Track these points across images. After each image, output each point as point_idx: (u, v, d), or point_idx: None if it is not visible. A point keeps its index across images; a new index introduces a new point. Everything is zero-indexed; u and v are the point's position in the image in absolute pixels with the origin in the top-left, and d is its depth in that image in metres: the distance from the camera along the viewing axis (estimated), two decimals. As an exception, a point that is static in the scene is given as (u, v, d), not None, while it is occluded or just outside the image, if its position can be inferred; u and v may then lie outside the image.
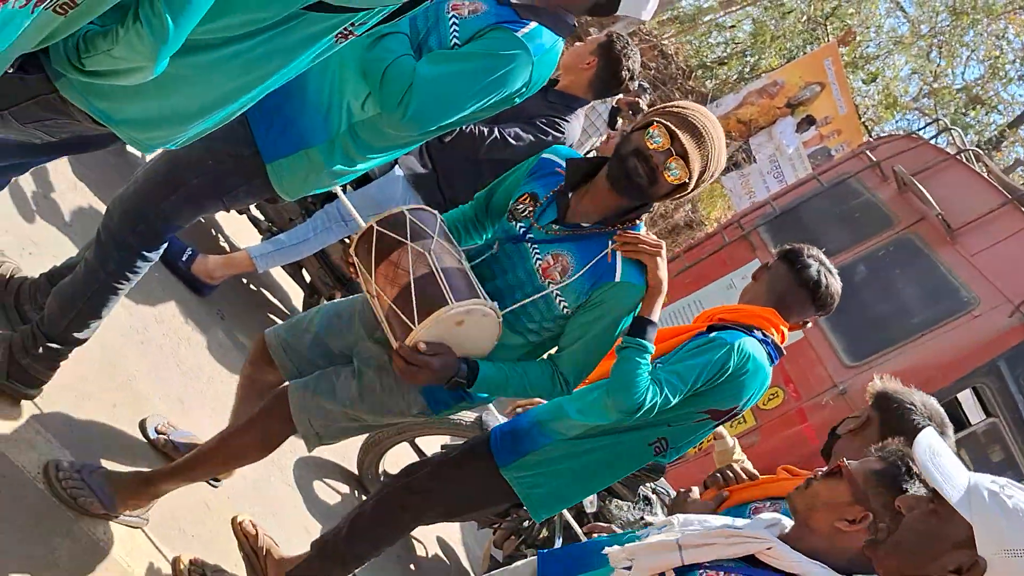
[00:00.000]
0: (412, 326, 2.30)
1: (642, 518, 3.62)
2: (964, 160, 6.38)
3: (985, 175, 6.14)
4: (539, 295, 2.50)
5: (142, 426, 2.94)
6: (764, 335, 2.64)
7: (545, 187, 2.57)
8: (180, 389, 3.18)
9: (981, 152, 6.80)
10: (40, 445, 2.54)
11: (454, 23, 2.48)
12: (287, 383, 2.66)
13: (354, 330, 2.69)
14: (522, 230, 2.56)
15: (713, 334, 2.61)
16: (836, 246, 6.29)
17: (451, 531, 4.10)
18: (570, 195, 2.52)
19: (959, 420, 6.09)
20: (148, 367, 3.12)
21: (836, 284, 2.83)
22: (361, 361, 2.63)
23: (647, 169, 2.41)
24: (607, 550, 1.96)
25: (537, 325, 2.55)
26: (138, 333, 3.17)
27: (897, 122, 15.38)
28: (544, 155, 2.64)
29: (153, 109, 1.92)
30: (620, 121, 7.45)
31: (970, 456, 5.29)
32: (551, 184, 2.57)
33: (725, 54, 14.87)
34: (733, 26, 14.46)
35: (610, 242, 2.49)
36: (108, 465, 2.70)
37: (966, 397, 5.92)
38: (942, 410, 2.43)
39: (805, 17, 13.05)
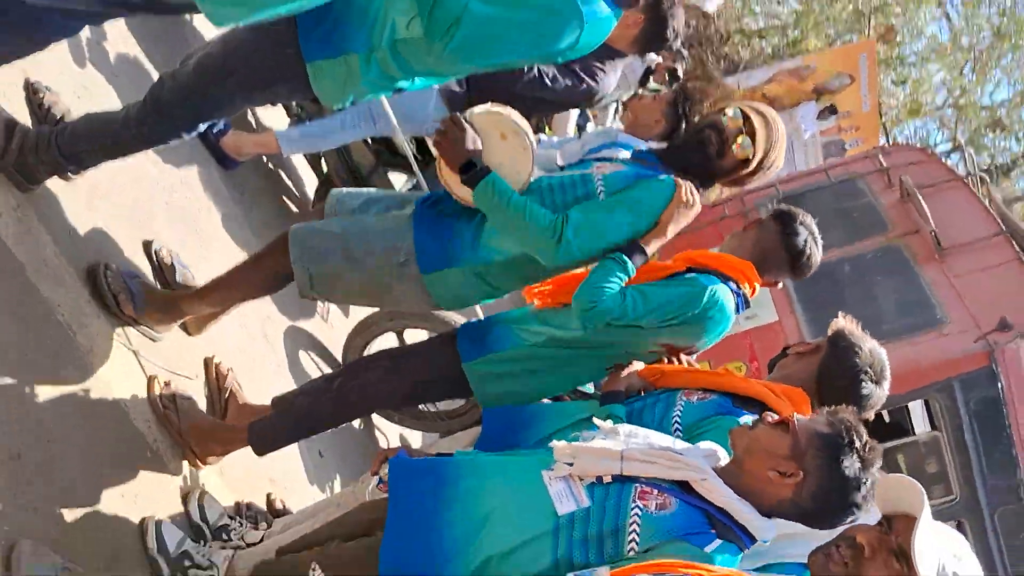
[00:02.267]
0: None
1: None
2: (969, 183, 6.55)
3: (986, 202, 6.30)
4: (581, 172, 2.81)
5: (146, 245, 3.12)
6: (737, 287, 2.81)
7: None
8: (195, 254, 3.35)
9: (987, 179, 6.95)
10: (67, 280, 2.70)
11: None
12: None
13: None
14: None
15: (691, 274, 2.79)
16: (829, 241, 6.37)
17: (414, 437, 4.33)
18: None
19: (904, 428, 6.40)
20: (170, 227, 3.28)
21: (818, 255, 2.93)
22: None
23: (719, 139, 2.79)
24: (553, 443, 2.07)
25: (565, 205, 2.72)
26: (165, 192, 3.33)
27: (916, 128, 15.45)
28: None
29: None
30: (651, 82, 7.52)
31: (906, 463, 5.56)
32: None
33: (766, 26, 14.81)
34: (780, 1, 14.39)
35: (669, 174, 2.79)
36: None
37: (916, 407, 6.22)
38: (886, 363, 2.59)
39: (852, 6, 12.99)
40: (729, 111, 2.81)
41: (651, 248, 2.70)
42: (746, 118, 2.79)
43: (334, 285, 2.87)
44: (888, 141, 11.87)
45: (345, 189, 3.16)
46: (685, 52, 8.62)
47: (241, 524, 2.90)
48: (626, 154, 3.01)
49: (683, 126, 4.17)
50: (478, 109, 2.70)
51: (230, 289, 2.99)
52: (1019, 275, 5.68)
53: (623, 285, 2.64)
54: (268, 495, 3.28)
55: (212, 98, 2.58)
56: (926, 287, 5.87)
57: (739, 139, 2.77)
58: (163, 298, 2.96)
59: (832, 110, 11.11)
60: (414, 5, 2.40)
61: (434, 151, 2.77)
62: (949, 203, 6.32)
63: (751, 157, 2.79)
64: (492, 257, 2.79)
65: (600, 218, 2.68)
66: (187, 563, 2.60)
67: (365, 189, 3.18)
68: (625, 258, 2.63)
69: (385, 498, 2.12)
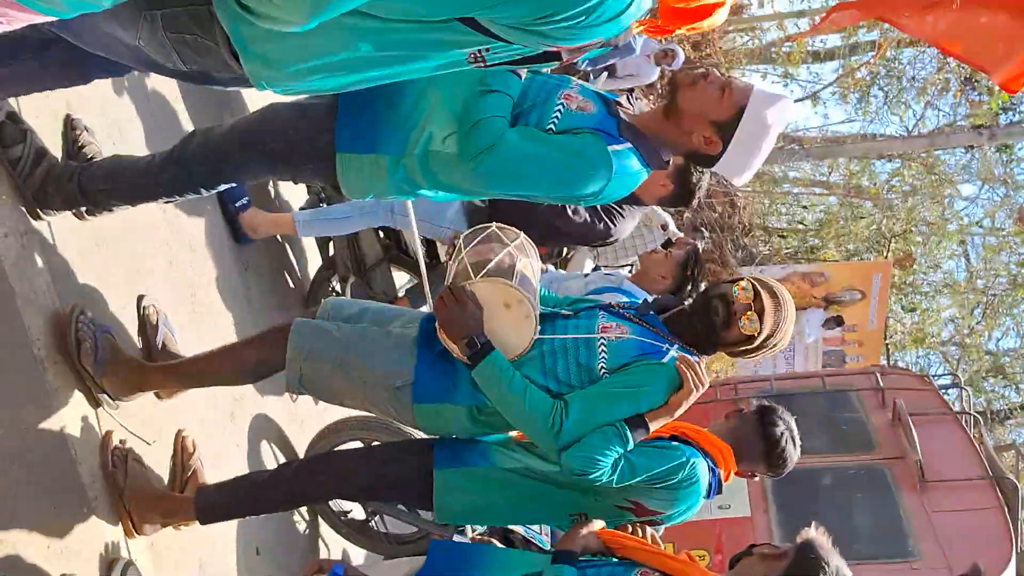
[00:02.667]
0: (472, 276, 2.60)
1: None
2: (962, 422, 6.52)
3: (977, 444, 6.26)
4: (586, 336, 2.70)
5: (138, 300, 3.06)
6: (714, 465, 2.84)
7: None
8: (186, 319, 3.32)
9: (981, 421, 6.93)
10: (48, 310, 2.65)
11: (559, 111, 2.51)
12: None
13: (394, 324, 2.89)
14: (601, 305, 2.86)
15: (676, 443, 2.81)
16: (814, 447, 6.41)
17: (356, 554, 4.18)
18: (651, 313, 2.84)
19: (857, 657, 6.18)
20: (167, 288, 3.26)
21: (794, 453, 2.99)
22: (377, 324, 2.87)
23: (726, 311, 2.72)
24: None
25: (566, 372, 2.67)
26: (170, 252, 3.32)
27: (918, 356, 15.56)
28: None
29: (287, 51, 2.06)
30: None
31: None
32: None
33: (787, 226, 15.15)
34: (807, 207, 14.76)
35: (672, 346, 2.73)
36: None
37: (872, 638, 6.02)
38: None
39: (876, 227, 13.30)
40: (741, 284, 2.75)
41: (654, 426, 2.67)
42: (756, 294, 2.72)
43: (325, 389, 2.81)
44: (888, 363, 11.93)
45: (341, 298, 3.10)
46: (706, 233, 8.83)
47: None
48: (627, 308, 2.92)
49: (688, 288, 4.26)
50: (481, 281, 2.61)
51: (205, 372, 2.90)
52: (998, 523, 5.58)
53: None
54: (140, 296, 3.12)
55: (236, 162, 2.60)
56: (903, 516, 5.78)
57: (747, 315, 2.69)
58: (128, 365, 2.80)
59: (838, 321, 11.24)
60: (453, 123, 2.46)
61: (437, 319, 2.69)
62: (939, 436, 6.28)
63: (756, 335, 2.71)
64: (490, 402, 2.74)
65: (601, 409, 2.62)
66: None
67: (361, 301, 3.10)
68: (628, 433, 2.60)
69: None
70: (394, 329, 2.84)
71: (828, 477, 6.26)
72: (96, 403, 2.77)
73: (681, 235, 7.86)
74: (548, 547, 3.98)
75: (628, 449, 2.62)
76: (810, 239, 14.86)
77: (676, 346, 2.74)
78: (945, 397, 7.19)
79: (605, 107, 2.59)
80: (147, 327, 3.06)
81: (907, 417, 6.28)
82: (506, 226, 2.76)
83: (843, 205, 14.36)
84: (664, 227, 7.47)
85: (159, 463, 3.00)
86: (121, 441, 2.83)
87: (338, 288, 4.43)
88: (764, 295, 2.71)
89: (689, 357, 2.72)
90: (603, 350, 2.68)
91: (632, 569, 2.41)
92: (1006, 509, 5.64)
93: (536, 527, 3.81)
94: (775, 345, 2.78)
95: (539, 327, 2.66)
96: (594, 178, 2.50)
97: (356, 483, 2.99)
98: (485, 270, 2.61)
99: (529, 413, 2.59)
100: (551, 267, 4.96)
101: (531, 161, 2.47)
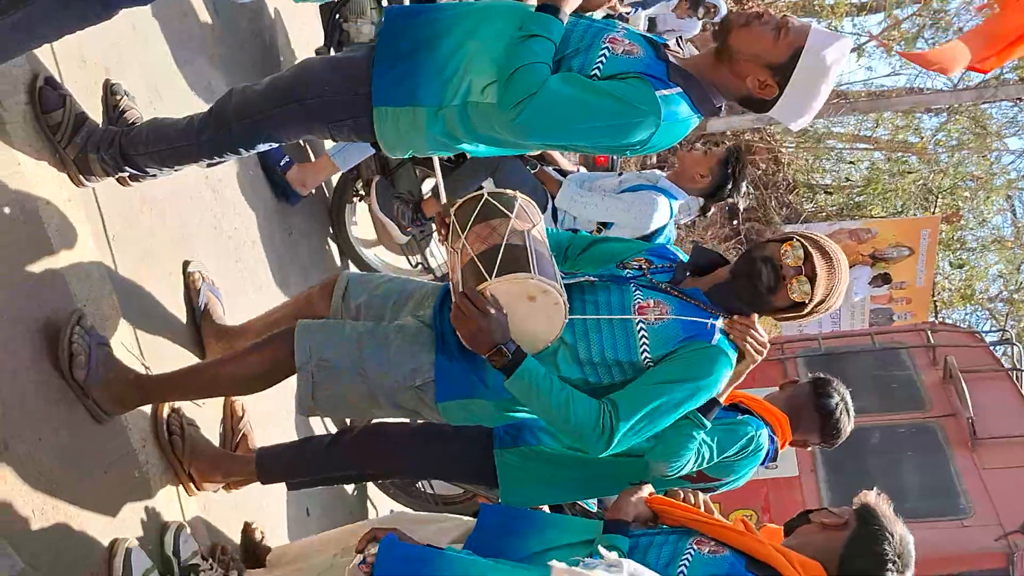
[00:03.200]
0: (487, 277, 2.30)
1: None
2: (1014, 378, 6.40)
3: (1028, 400, 6.15)
4: (622, 317, 2.44)
5: (185, 265, 3.05)
6: (772, 434, 2.80)
7: (661, 259, 2.61)
8: (231, 284, 3.32)
9: (1033, 376, 6.79)
10: (95, 277, 2.66)
11: (603, 55, 2.36)
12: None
13: (407, 308, 2.69)
14: (629, 274, 2.56)
15: (744, 416, 2.76)
16: (863, 406, 6.31)
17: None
18: (687, 274, 2.55)
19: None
20: (212, 253, 3.26)
21: (848, 424, 2.95)
22: (388, 320, 2.65)
23: (773, 277, 2.42)
24: (552, 564, 1.92)
25: (602, 359, 2.44)
26: (215, 218, 3.32)
27: (966, 313, 15.30)
28: (664, 244, 2.74)
29: None
30: (711, 212, 7.59)
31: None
32: (666, 262, 2.60)
33: (833, 182, 14.89)
34: (852, 163, 14.48)
35: (716, 318, 2.48)
36: (138, 322, 2.81)
37: (923, 596, 5.96)
38: (913, 553, 2.36)
39: (923, 182, 13.03)
40: (791, 243, 2.43)
41: (723, 398, 2.59)
42: (807, 255, 2.40)
43: (339, 404, 2.59)
44: (936, 320, 11.74)
45: (356, 273, 2.89)
46: (750, 190, 8.70)
47: (212, 568, 2.79)
48: (658, 273, 2.60)
49: (729, 187, 4.15)
50: (496, 281, 2.31)
51: (210, 383, 2.68)
52: (1051, 480, 5.50)
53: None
54: (247, 524, 3.13)
55: (273, 119, 2.54)
56: (954, 474, 5.71)
57: (797, 279, 2.39)
58: (125, 378, 2.57)
59: (885, 278, 11.04)
60: (494, 71, 2.35)
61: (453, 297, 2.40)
62: (991, 393, 6.18)
63: (807, 300, 2.41)
64: None
65: (651, 410, 2.38)
66: None
67: (376, 275, 2.92)
68: (704, 419, 2.55)
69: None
70: (409, 318, 2.62)
71: (878, 436, 6.18)
72: (145, 366, 2.78)
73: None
74: (595, 510, 3.97)
75: (706, 431, 2.59)
76: (855, 196, 14.60)
77: (720, 318, 2.51)
78: (996, 354, 7.06)
79: (654, 51, 2.43)
80: (191, 292, 3.06)
81: (959, 374, 6.18)
82: (497, 190, 2.53)
83: (889, 161, 14.07)
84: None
85: (208, 429, 3.02)
86: (174, 408, 2.85)
87: (362, 192, 4.39)
88: (816, 256, 2.40)
89: (741, 320, 2.49)
90: (644, 337, 2.43)
91: (687, 538, 2.34)
92: (1059, 466, 5.55)
93: None
94: (827, 309, 2.50)
95: (569, 308, 2.39)
96: (642, 125, 2.35)
97: (412, 462, 2.98)
98: (498, 263, 2.32)
99: (575, 425, 2.37)
100: (582, 168, 4.85)
101: (574, 109, 2.33)
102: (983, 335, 7.59)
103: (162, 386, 2.67)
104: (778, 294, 2.43)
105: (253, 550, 3.08)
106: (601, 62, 2.36)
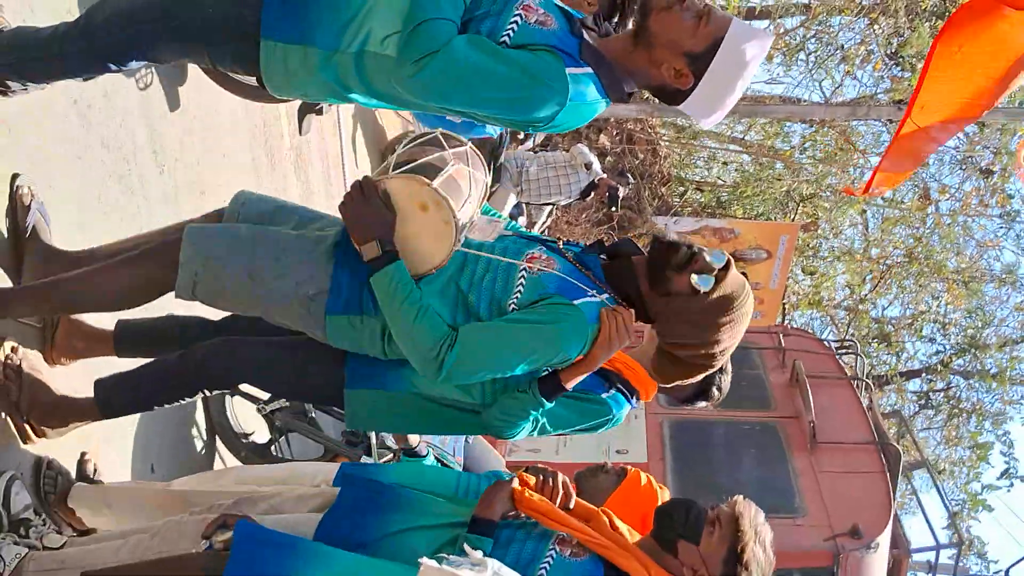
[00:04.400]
0: (389, 172, 2.33)
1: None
2: (855, 386, 6.74)
3: (866, 410, 6.48)
4: (511, 261, 2.41)
5: (13, 179, 2.71)
6: (635, 399, 2.76)
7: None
8: (88, 218, 3.09)
9: (872, 387, 7.17)
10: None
11: (515, 22, 2.23)
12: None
13: (312, 227, 2.57)
14: (543, 238, 2.56)
15: (606, 396, 2.67)
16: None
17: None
18: (600, 255, 2.55)
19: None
20: (73, 184, 3.03)
21: (726, 384, 2.92)
22: (294, 227, 2.54)
23: (686, 256, 2.40)
24: (422, 560, 1.92)
25: (477, 303, 2.39)
26: (80, 145, 3.08)
27: (811, 318, 16.03)
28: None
29: None
30: (591, 196, 7.65)
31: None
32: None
33: (703, 179, 15.29)
34: (725, 163, 14.89)
35: (600, 293, 2.43)
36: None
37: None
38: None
39: (787, 190, 13.52)
40: (712, 255, 2.42)
41: (571, 384, 2.46)
42: (727, 266, 2.41)
43: (222, 296, 2.46)
44: (783, 322, 12.24)
45: (253, 193, 2.71)
46: (631, 179, 8.84)
47: (44, 523, 2.61)
48: (570, 246, 2.57)
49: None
50: (395, 177, 2.30)
51: (76, 297, 2.51)
52: (880, 488, 5.81)
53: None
54: (83, 454, 2.93)
55: (145, 36, 2.32)
56: (792, 474, 5.97)
57: (708, 271, 2.39)
58: None
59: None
60: (396, 21, 2.19)
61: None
62: (832, 399, 6.50)
63: (704, 292, 2.38)
64: None
65: (489, 347, 2.34)
66: None
67: (277, 199, 2.73)
68: (543, 400, 2.45)
69: (219, 555, 1.90)
70: (311, 233, 2.51)
71: (724, 431, 6.41)
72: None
73: (605, 176, 7.86)
74: (458, 468, 3.95)
75: (543, 411, 2.50)
76: (721, 195, 15.04)
77: (607, 296, 2.44)
78: (840, 361, 7.41)
79: (568, 25, 2.31)
80: (17, 209, 2.71)
81: (804, 379, 6.46)
82: (453, 134, 2.45)
83: (761, 165, 14.53)
84: (588, 167, 7.45)
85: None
86: (13, 348, 2.64)
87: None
88: (730, 275, 2.41)
89: (622, 308, 2.44)
90: (521, 283, 2.38)
91: (548, 537, 2.31)
92: (888, 475, 5.88)
93: (448, 448, 3.73)
94: (721, 351, 2.46)
95: (461, 237, 2.34)
96: (547, 103, 2.23)
97: (260, 372, 2.72)
98: (404, 167, 2.32)
99: (416, 340, 2.31)
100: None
101: (478, 75, 2.19)
102: (829, 343, 7.95)
103: (18, 297, 2.50)
104: (682, 272, 2.40)
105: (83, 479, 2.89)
106: (512, 29, 2.22)
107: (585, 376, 2.48)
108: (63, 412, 2.72)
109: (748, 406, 6.51)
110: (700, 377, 2.60)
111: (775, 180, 13.35)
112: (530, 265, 2.40)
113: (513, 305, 2.36)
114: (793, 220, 13.72)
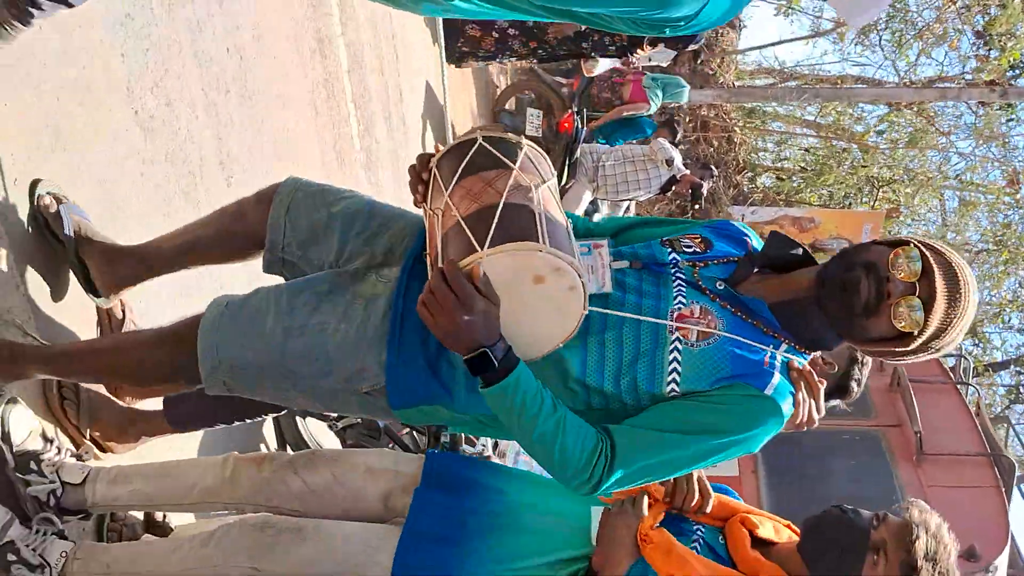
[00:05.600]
0: (478, 248, 1.64)
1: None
2: (961, 392, 6.29)
3: (975, 417, 6.03)
4: (654, 321, 1.81)
5: (32, 187, 2.33)
6: None
7: (726, 243, 1.99)
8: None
9: (980, 393, 6.71)
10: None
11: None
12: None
13: (372, 245, 2.06)
14: (674, 259, 1.91)
15: None
16: (807, 408, 6.16)
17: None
18: (755, 270, 1.90)
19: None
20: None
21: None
22: (335, 286, 1.98)
23: (874, 291, 1.75)
24: None
25: (617, 370, 1.82)
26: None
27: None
28: (733, 222, 2.11)
29: None
30: (672, 191, 7.27)
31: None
32: (732, 246, 1.99)
33: (780, 166, 14.77)
34: (807, 150, 14.37)
35: (778, 345, 1.85)
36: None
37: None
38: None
39: (867, 176, 12.99)
40: (905, 250, 1.77)
41: None
42: (926, 270, 1.74)
43: (264, 396, 2.05)
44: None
45: (306, 180, 2.18)
46: (715, 171, 8.42)
47: (59, 452, 2.26)
48: (713, 271, 1.91)
49: None
50: (491, 253, 1.64)
51: (92, 368, 2.15)
52: (995, 504, 5.38)
53: None
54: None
55: None
56: (897, 487, 5.55)
57: (907, 299, 1.73)
58: None
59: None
60: None
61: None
62: (939, 406, 6.05)
63: (913, 333, 1.75)
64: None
65: (659, 463, 1.79)
66: (11, 558, 2.07)
67: (335, 188, 2.18)
68: None
69: None
70: (360, 295, 1.96)
71: (821, 440, 5.99)
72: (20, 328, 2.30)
73: (687, 172, 7.48)
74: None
75: None
76: (794, 180, 14.52)
77: (784, 347, 1.85)
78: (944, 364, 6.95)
79: None
80: (49, 222, 2.33)
81: (908, 384, 6.03)
82: (495, 132, 1.87)
83: (833, 148, 13.99)
84: (669, 162, 7.07)
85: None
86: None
87: None
88: (938, 272, 1.73)
89: (803, 366, 1.85)
90: (675, 361, 1.80)
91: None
92: (1003, 489, 5.44)
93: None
94: (939, 349, 1.80)
95: (588, 298, 1.73)
96: None
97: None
98: (492, 229, 1.65)
99: (558, 461, 1.76)
100: None
101: None
102: (932, 344, 7.46)
103: (42, 359, 2.14)
104: (878, 318, 1.76)
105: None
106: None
107: None
108: (133, 427, 2.51)
109: (848, 413, 6.09)
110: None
111: (862, 167, 12.81)
112: (682, 328, 1.80)
113: (674, 392, 1.80)
114: (874, 206, 13.17)
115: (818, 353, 1.94)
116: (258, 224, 2.13)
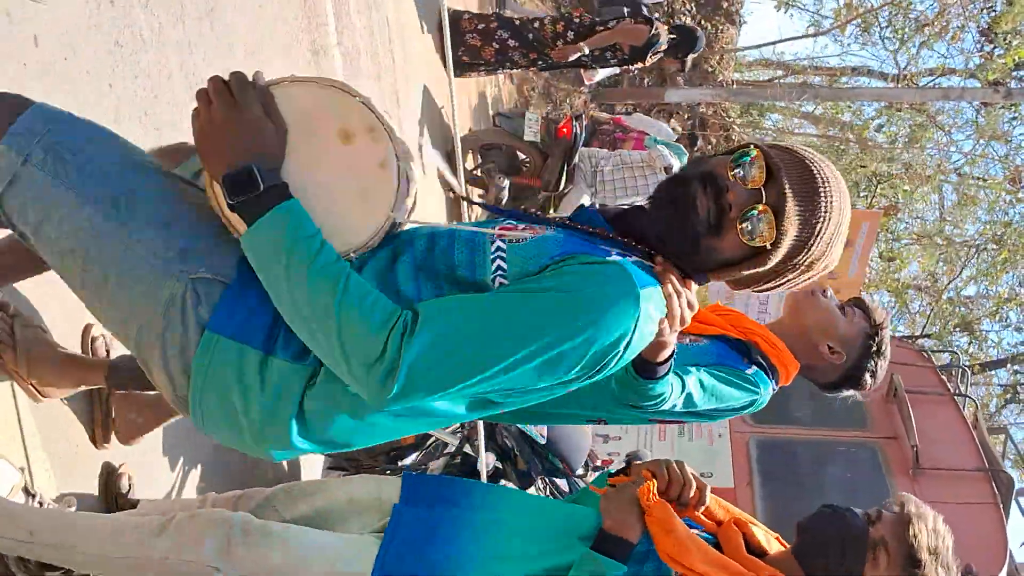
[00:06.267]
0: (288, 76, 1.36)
1: None
2: (958, 403, 6.25)
3: (972, 430, 5.99)
4: (477, 230, 1.50)
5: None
6: (776, 385, 2.32)
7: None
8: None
9: (977, 405, 6.67)
10: None
11: None
12: None
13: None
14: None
15: (752, 372, 2.23)
16: (802, 419, 6.11)
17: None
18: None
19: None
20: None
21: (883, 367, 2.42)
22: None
23: (714, 206, 1.48)
24: None
25: (430, 265, 1.46)
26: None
27: (889, 305, 15.42)
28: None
29: None
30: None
31: None
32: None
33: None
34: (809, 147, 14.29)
35: (621, 249, 1.53)
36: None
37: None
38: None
39: (864, 168, 12.92)
40: (745, 159, 1.49)
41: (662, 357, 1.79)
42: (771, 173, 1.47)
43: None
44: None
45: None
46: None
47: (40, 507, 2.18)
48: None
49: None
50: (301, 78, 1.37)
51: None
52: (993, 521, 5.34)
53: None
54: (118, 466, 2.53)
55: None
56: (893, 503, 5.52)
57: (749, 211, 1.47)
58: (55, 359, 2.24)
59: (818, 267, 10.90)
60: None
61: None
62: (936, 419, 6.01)
63: (768, 247, 1.49)
64: None
65: (481, 327, 1.36)
66: None
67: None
68: (611, 564, 1.84)
69: None
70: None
71: (817, 451, 5.97)
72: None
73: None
74: (541, 440, 3.69)
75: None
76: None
77: (634, 259, 1.52)
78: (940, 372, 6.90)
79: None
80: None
81: (904, 394, 5.99)
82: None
83: (830, 140, 13.92)
84: (667, 169, 7.00)
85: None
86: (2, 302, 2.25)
87: None
88: (784, 176, 1.46)
89: (666, 265, 1.54)
90: (499, 252, 1.44)
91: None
92: (1001, 506, 5.40)
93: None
94: (812, 264, 1.53)
95: (406, 205, 1.44)
96: None
97: None
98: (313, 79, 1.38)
99: (342, 320, 1.32)
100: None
101: None
102: (930, 354, 7.42)
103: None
104: (725, 235, 1.49)
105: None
106: None
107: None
108: (71, 374, 2.32)
109: (842, 424, 6.05)
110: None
111: (861, 167, 12.73)
112: (503, 233, 1.49)
113: (500, 278, 1.44)
114: (870, 203, 13.11)
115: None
116: None
